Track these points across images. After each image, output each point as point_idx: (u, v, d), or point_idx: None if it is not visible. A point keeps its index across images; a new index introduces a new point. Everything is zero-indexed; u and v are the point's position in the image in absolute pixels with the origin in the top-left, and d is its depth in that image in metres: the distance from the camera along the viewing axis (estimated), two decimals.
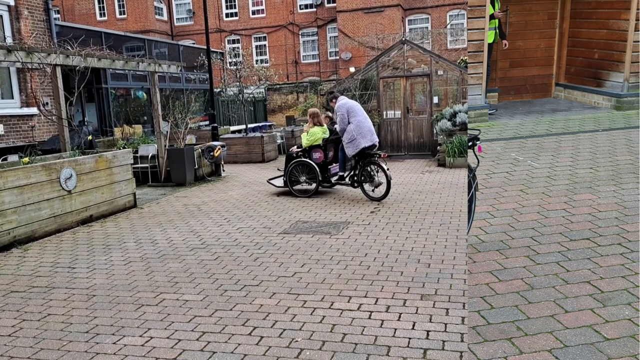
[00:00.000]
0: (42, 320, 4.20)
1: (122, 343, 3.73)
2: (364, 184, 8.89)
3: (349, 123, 8.79)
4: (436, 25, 30.69)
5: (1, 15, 11.94)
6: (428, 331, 3.71)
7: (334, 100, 9.27)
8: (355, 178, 8.96)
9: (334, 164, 9.66)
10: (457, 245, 5.77)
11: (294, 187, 9.46)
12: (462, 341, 3.53)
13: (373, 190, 8.84)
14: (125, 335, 3.86)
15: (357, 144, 8.70)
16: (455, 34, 30.17)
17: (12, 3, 12.04)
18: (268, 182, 10.13)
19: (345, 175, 9.37)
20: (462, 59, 26.90)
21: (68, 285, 5.03)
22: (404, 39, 15.22)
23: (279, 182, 9.91)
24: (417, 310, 4.08)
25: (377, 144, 8.96)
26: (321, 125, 9.49)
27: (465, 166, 11.98)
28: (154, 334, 3.86)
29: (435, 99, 14.80)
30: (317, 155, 9.40)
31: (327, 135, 9.50)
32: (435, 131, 13.87)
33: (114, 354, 3.58)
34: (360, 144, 8.68)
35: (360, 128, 8.71)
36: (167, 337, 3.79)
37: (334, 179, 9.46)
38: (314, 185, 9.35)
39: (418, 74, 15.04)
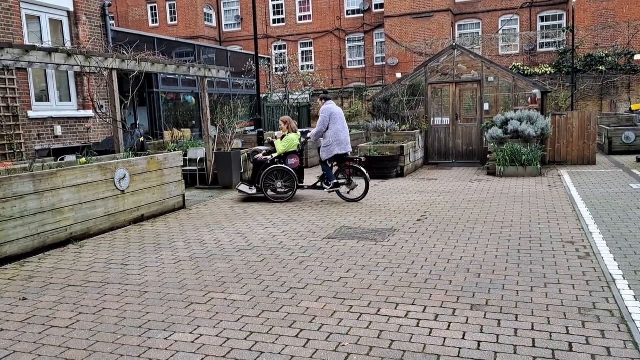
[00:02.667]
0: (97, 314, 4.34)
1: (173, 339, 3.81)
2: (340, 186, 9.44)
3: (327, 129, 9.32)
4: (487, 30, 30.16)
5: (61, 21, 12.46)
6: (479, 342, 3.64)
7: (322, 101, 9.74)
8: (325, 181, 9.50)
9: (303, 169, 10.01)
10: (508, 256, 5.64)
11: (268, 193, 9.63)
12: (515, 353, 3.44)
13: (349, 192, 9.47)
14: (176, 331, 3.94)
15: (331, 150, 9.32)
16: (507, 40, 29.55)
17: (72, 9, 12.56)
18: (237, 189, 10.13)
19: (318, 181, 9.72)
20: (514, 65, 26.38)
21: (121, 281, 5.19)
22: (454, 44, 15.04)
23: (247, 188, 9.92)
24: (467, 320, 4.00)
25: (350, 154, 9.63)
26: (295, 131, 9.78)
27: (517, 175, 11.83)
28: (203, 331, 3.93)
29: (486, 106, 14.56)
30: (293, 160, 9.68)
31: (298, 140, 9.79)
32: (485, 139, 13.63)
33: (166, 349, 3.66)
34: (334, 151, 9.31)
35: (338, 136, 9.30)
36: (216, 335, 3.85)
37: (327, 188, 9.53)
38: (290, 191, 9.58)
39: (468, 80, 14.83)
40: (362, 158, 9.76)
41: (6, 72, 10.55)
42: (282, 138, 9.76)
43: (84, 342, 3.80)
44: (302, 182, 9.85)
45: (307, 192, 10.39)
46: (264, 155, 9.94)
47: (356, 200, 9.38)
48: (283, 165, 9.55)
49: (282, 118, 10.11)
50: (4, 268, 5.78)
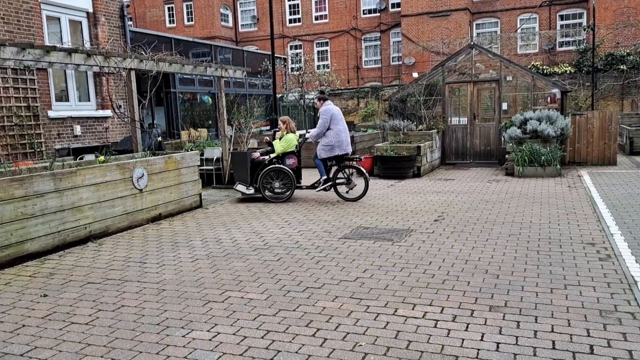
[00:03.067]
0: (116, 311, 4.39)
1: (190, 337, 3.84)
2: (338, 186, 9.53)
3: (328, 129, 9.32)
4: (506, 29, 29.87)
5: (80, 22, 12.63)
6: (498, 343, 3.60)
7: (321, 102, 9.68)
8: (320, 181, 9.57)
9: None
10: (527, 258, 5.57)
11: (266, 193, 9.66)
12: (534, 355, 3.40)
13: (347, 192, 9.57)
14: (193, 329, 3.97)
15: (332, 151, 9.38)
16: (526, 39, 29.24)
17: (91, 10, 12.72)
18: (234, 188, 10.14)
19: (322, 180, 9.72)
20: (533, 64, 26.10)
21: (140, 279, 5.23)
22: (472, 43, 14.95)
23: (244, 188, 9.93)
24: (485, 321, 3.97)
25: (350, 154, 9.64)
26: (293, 132, 9.80)
27: (536, 176, 11.71)
28: (220, 329, 3.95)
29: (504, 106, 14.42)
30: (291, 161, 9.71)
31: (297, 141, 9.81)
32: (503, 139, 13.51)
33: (184, 346, 3.68)
34: (335, 152, 9.37)
35: (339, 137, 9.36)
36: (234, 334, 3.86)
37: (319, 186, 9.56)
38: (288, 191, 9.61)
39: (486, 80, 14.72)
40: (362, 157, 9.94)
41: (27, 73, 10.72)
42: (280, 138, 9.79)
43: (103, 339, 3.84)
44: (300, 182, 9.87)
45: (320, 193, 10.38)
46: (261, 154, 9.95)
47: (355, 199, 9.46)
48: (281, 166, 9.57)
49: (281, 118, 10.14)
50: (25, 265, 5.87)
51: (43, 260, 6.05)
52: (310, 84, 19.65)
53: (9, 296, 4.84)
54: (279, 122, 10.03)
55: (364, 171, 9.46)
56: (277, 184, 9.64)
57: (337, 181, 9.59)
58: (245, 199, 10.02)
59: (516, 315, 4.06)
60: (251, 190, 9.83)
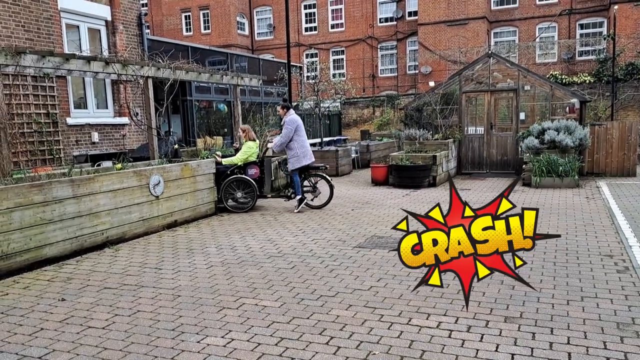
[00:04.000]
0: (132, 316, 4.44)
1: (205, 342, 3.86)
2: (304, 194, 9.65)
3: (292, 140, 9.41)
4: (524, 38, 29.69)
5: (99, 30, 12.83)
6: (513, 354, 3.57)
7: (284, 110, 9.71)
8: (292, 190, 9.75)
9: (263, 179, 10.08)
10: (544, 269, 5.53)
11: (229, 203, 9.69)
12: None
13: (312, 200, 9.85)
14: (208, 335, 3.99)
15: (299, 161, 9.49)
16: (545, 48, 29.03)
17: (109, 18, 12.91)
18: None
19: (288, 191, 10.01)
20: (551, 74, 25.90)
21: (155, 285, 5.28)
22: (490, 52, 14.90)
23: None
24: (500, 332, 3.94)
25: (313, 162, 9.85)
26: (254, 140, 9.82)
27: (553, 186, 11.59)
28: (234, 336, 3.97)
29: (522, 115, 14.33)
30: (253, 171, 9.77)
31: (258, 150, 9.88)
32: (520, 149, 13.42)
33: (198, 352, 3.71)
34: (302, 162, 9.50)
35: (304, 147, 9.51)
36: (248, 340, 3.88)
37: (295, 207, 9.60)
38: (250, 201, 9.66)
39: (504, 89, 14.65)
40: (326, 166, 10.31)
41: (46, 80, 10.91)
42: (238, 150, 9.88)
43: (119, 343, 3.88)
44: (262, 192, 9.91)
45: (335, 201, 10.40)
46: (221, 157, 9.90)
47: (319, 207, 9.70)
48: (242, 176, 9.62)
49: (241, 127, 10.19)
50: (43, 269, 5.96)
51: (61, 265, 6.13)
52: (326, 92, 19.70)
53: (28, 300, 4.91)
54: (239, 131, 10.08)
55: (330, 179, 9.73)
56: (239, 194, 9.70)
57: (304, 189, 9.75)
58: (259, 208, 10.06)
59: (532, 326, 4.02)
60: None
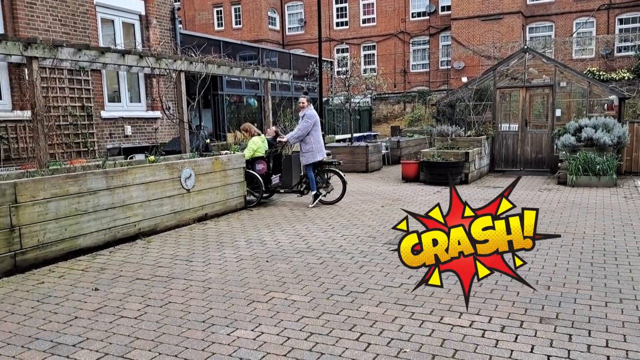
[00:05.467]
0: (163, 307, 4.48)
1: (235, 335, 3.87)
2: (319, 189, 9.61)
3: (308, 134, 9.36)
4: (561, 33, 28.98)
5: (133, 24, 13.00)
6: (549, 356, 3.47)
7: (304, 103, 9.58)
8: (305, 185, 9.78)
9: (274, 175, 9.98)
10: (580, 269, 5.37)
11: None
12: None
13: (325, 195, 9.71)
14: (238, 328, 4.00)
15: (314, 156, 9.45)
16: (582, 43, 28.27)
17: (143, 13, 13.07)
18: None
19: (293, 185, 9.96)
20: (589, 70, 25.25)
21: (186, 277, 5.32)
22: (525, 46, 14.57)
23: None
24: (535, 333, 3.83)
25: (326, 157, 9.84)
26: (258, 134, 9.84)
27: (590, 185, 11.27)
28: (264, 329, 3.96)
29: (558, 112, 13.98)
30: (261, 166, 9.72)
31: (265, 144, 9.82)
32: (556, 146, 13.10)
33: (228, 344, 3.72)
34: (316, 157, 9.46)
35: (319, 143, 9.50)
36: (277, 334, 3.87)
37: (310, 203, 9.54)
38: (257, 195, 9.63)
39: (539, 85, 14.32)
40: (340, 162, 10.19)
41: (82, 74, 11.11)
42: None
43: (151, 333, 3.92)
44: (270, 187, 9.85)
45: (364, 198, 10.35)
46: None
47: (332, 203, 9.58)
48: (249, 171, 9.57)
49: (242, 127, 10.22)
50: (78, 259, 6.07)
51: (94, 255, 6.24)
52: (357, 87, 19.57)
53: (62, 289, 5.01)
54: (242, 131, 10.11)
55: (343, 175, 9.62)
56: (247, 189, 9.63)
57: (318, 186, 9.66)
58: (289, 203, 10.06)
59: (568, 328, 3.91)
60: None
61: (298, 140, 9.62)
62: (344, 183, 9.59)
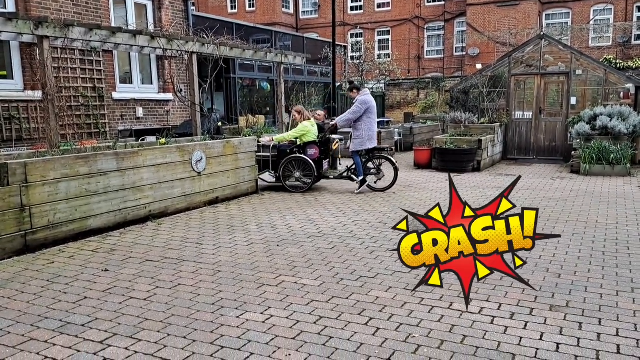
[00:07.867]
0: (173, 289, 4.50)
1: (244, 318, 3.88)
2: (367, 176, 9.46)
3: (360, 120, 9.20)
4: (578, 21, 28.47)
5: (145, 5, 12.94)
6: (558, 344, 3.44)
7: (355, 91, 9.51)
8: (353, 172, 9.54)
9: (325, 160, 9.86)
10: (592, 258, 5.31)
11: (287, 183, 9.58)
12: (597, 359, 3.23)
13: (375, 182, 9.55)
14: (247, 310, 4.01)
15: (362, 144, 9.28)
16: (599, 31, 27.76)
17: None
18: (258, 177, 9.87)
19: (345, 171, 9.73)
20: (605, 58, 24.84)
21: (196, 260, 5.34)
22: (542, 33, 14.34)
23: (268, 176, 9.90)
24: (545, 320, 3.80)
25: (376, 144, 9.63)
26: (309, 119, 9.64)
27: (603, 174, 11.14)
28: (274, 312, 3.97)
29: (573, 100, 13.78)
30: (313, 151, 9.54)
31: (315, 128, 9.63)
32: (570, 135, 12.93)
33: (237, 327, 3.73)
34: (365, 145, 9.29)
35: (371, 131, 9.31)
36: (287, 317, 3.87)
37: (356, 188, 9.45)
38: (309, 181, 9.48)
39: (555, 73, 14.10)
40: (392, 148, 10.02)
41: (93, 54, 11.10)
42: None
43: (160, 315, 3.94)
44: (322, 173, 9.71)
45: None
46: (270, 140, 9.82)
47: (383, 190, 9.40)
48: (301, 156, 9.46)
49: (295, 108, 9.98)
50: (88, 240, 6.11)
51: (105, 237, 6.28)
52: (370, 72, 19.43)
53: (72, 269, 5.05)
54: (294, 113, 9.91)
55: (394, 162, 9.37)
56: (297, 174, 9.56)
57: (368, 172, 9.53)
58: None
59: (578, 316, 3.87)
60: (273, 179, 9.85)
61: (347, 124, 9.49)
62: (396, 170, 9.35)
